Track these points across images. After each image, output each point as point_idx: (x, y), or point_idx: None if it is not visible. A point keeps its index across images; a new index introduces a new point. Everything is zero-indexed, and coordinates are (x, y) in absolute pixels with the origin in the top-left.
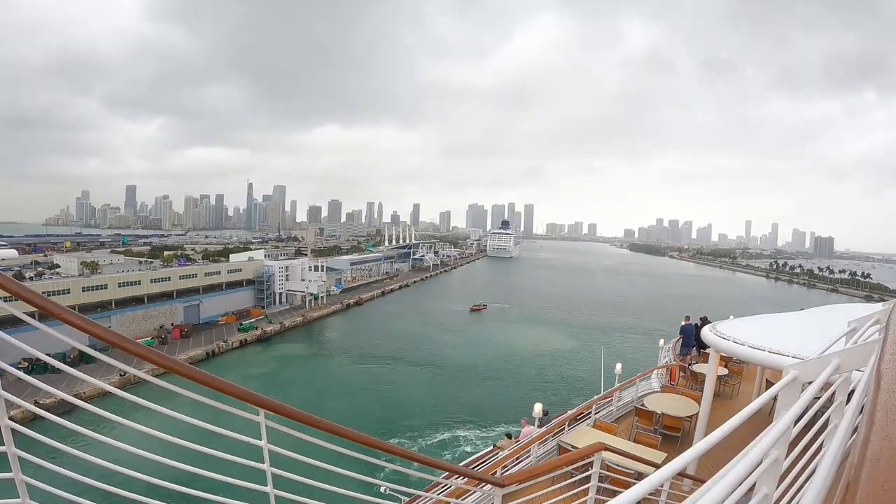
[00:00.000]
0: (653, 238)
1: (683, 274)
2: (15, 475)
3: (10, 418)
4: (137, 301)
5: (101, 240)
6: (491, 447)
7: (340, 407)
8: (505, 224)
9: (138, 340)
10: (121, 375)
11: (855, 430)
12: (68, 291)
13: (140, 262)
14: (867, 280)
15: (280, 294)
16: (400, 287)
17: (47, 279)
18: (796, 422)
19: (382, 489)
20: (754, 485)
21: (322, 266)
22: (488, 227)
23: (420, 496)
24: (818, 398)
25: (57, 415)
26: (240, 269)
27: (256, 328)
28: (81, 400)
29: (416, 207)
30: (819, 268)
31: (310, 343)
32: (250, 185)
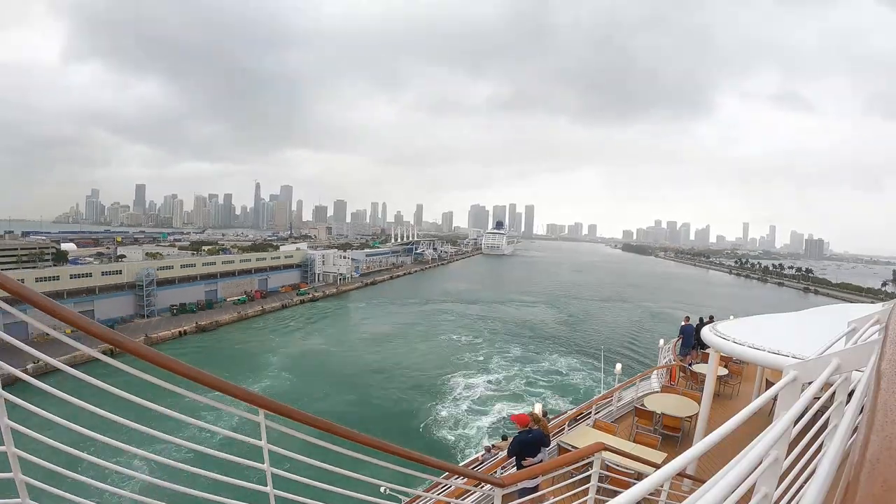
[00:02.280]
0: (650, 239)
1: (650, 271)
2: (15, 475)
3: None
4: (230, 274)
5: (134, 236)
6: (490, 447)
7: (361, 329)
8: (499, 224)
9: (234, 298)
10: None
11: (855, 430)
12: (194, 266)
13: (193, 254)
14: (809, 275)
15: (318, 274)
16: (404, 274)
17: (175, 257)
18: (796, 422)
19: (382, 489)
20: (754, 485)
21: (348, 256)
22: (489, 227)
23: (420, 496)
24: (818, 398)
25: (56, 414)
26: (291, 256)
27: (309, 294)
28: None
29: (420, 208)
30: (773, 265)
31: (343, 302)
32: (258, 185)
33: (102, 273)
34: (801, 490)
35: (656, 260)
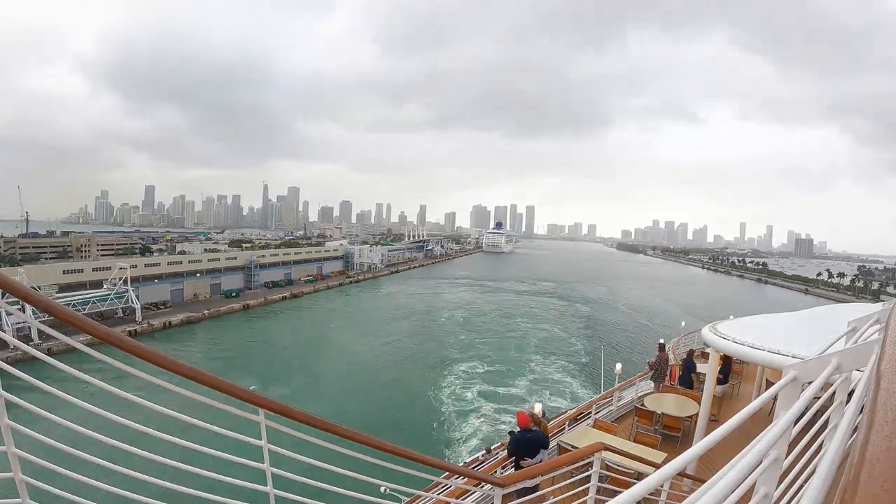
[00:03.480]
0: (648, 239)
1: (628, 266)
2: (15, 475)
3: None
4: (299, 262)
5: (170, 234)
6: (491, 446)
7: (390, 302)
8: (499, 225)
9: (305, 278)
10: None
11: (855, 430)
12: (277, 255)
13: (242, 249)
14: (765, 268)
15: (356, 264)
16: (419, 266)
17: (274, 248)
18: (796, 422)
19: (382, 489)
20: (754, 485)
21: (375, 250)
22: (490, 227)
23: (420, 496)
24: (818, 398)
25: (56, 414)
26: (337, 250)
27: (354, 277)
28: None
29: (423, 209)
30: (738, 260)
31: (377, 282)
32: (266, 187)
33: (226, 258)
34: (801, 490)
35: (645, 258)
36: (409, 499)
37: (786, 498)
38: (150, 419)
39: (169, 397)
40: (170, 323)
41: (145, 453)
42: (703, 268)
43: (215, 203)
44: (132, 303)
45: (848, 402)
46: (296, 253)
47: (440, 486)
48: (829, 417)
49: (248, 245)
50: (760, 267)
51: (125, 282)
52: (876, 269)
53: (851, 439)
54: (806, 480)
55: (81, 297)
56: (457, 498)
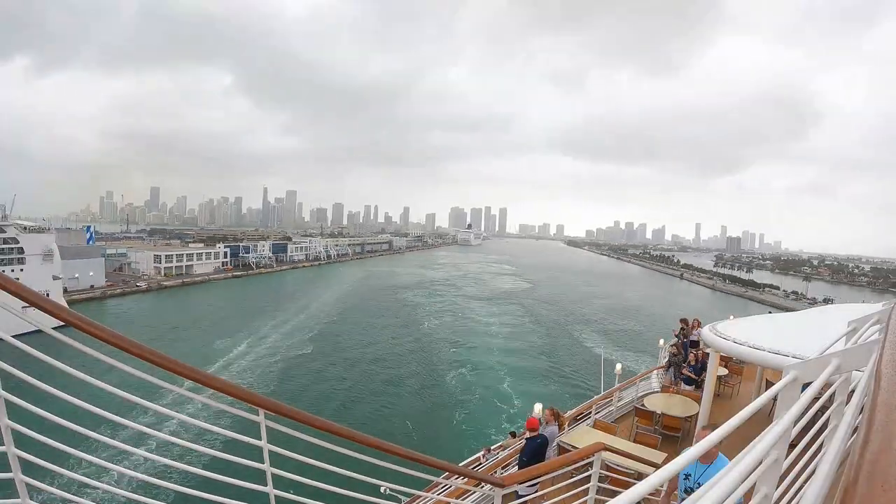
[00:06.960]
0: (609, 238)
1: (551, 253)
2: (15, 475)
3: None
4: (372, 243)
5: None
6: (491, 447)
7: (416, 259)
8: (469, 226)
9: (377, 252)
10: None
11: (855, 430)
12: (368, 240)
13: (331, 236)
14: (624, 251)
15: (395, 246)
16: (421, 250)
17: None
18: (796, 422)
19: (382, 489)
20: (754, 485)
21: (402, 240)
22: (465, 226)
23: (420, 496)
24: (818, 398)
25: (56, 415)
26: (384, 238)
27: (394, 252)
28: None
29: (407, 210)
30: (643, 251)
31: (405, 254)
32: (265, 190)
33: (353, 241)
34: (801, 490)
35: (581, 251)
36: (408, 499)
37: (786, 498)
38: (151, 419)
39: (170, 397)
40: (350, 259)
41: (145, 453)
42: (603, 254)
43: (221, 204)
44: (345, 251)
45: (848, 402)
46: (370, 239)
47: (440, 486)
48: (829, 418)
49: (335, 236)
50: (623, 251)
51: (344, 245)
52: (734, 256)
53: (851, 439)
54: (806, 481)
55: (338, 248)
56: (457, 498)
